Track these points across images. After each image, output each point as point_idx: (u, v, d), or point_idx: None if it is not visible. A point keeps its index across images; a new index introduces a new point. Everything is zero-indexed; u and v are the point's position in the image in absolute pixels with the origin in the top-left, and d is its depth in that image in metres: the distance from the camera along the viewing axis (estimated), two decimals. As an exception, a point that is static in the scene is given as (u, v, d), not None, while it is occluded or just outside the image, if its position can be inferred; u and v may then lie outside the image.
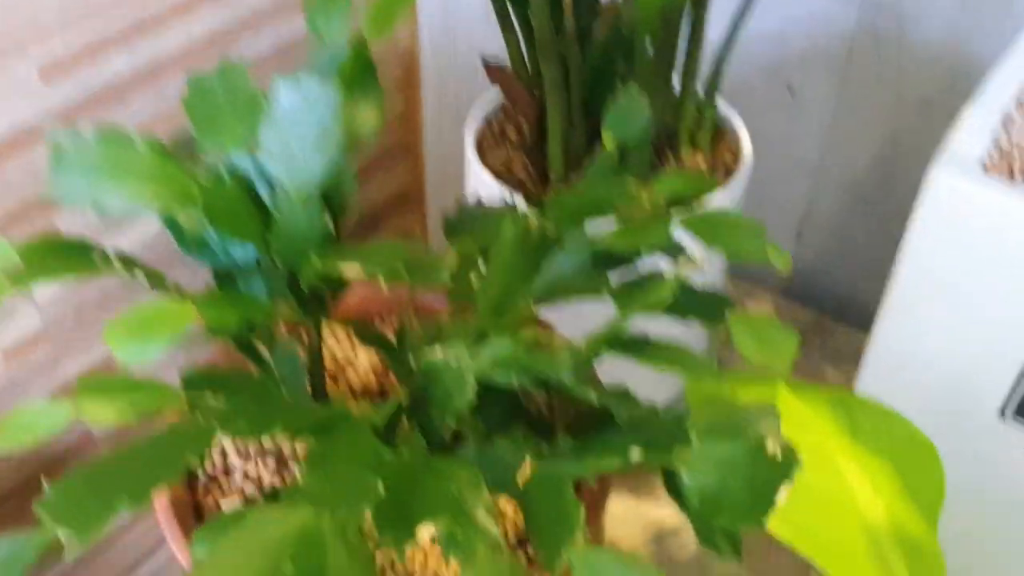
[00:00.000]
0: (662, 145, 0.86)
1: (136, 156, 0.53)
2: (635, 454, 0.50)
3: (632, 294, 0.49)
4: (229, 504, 0.63)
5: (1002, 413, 0.66)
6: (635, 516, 1.02)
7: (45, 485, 0.44)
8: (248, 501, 0.63)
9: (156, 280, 0.56)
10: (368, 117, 0.57)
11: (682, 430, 0.51)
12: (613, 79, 0.76)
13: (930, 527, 0.55)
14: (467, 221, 0.65)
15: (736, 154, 0.88)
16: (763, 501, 0.47)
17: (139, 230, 0.90)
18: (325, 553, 0.43)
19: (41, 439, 0.47)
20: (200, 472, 0.65)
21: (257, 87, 0.57)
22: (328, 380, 0.69)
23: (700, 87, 0.86)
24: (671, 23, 0.77)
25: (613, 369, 0.59)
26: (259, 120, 0.55)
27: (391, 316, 0.76)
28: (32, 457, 0.89)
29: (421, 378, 0.55)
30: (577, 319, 0.62)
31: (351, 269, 0.48)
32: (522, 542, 0.62)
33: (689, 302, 0.56)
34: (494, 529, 0.49)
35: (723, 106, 0.91)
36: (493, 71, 0.81)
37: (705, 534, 0.54)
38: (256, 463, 0.66)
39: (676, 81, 0.85)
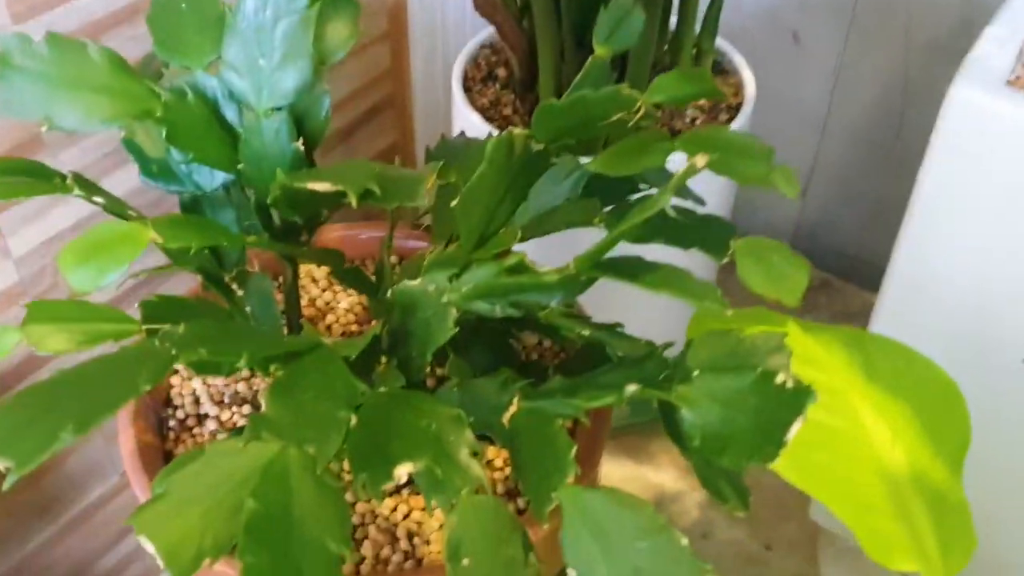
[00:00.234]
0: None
1: (92, 67, 0.49)
2: (631, 390, 0.46)
3: (624, 215, 0.45)
4: (199, 453, 0.59)
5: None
6: (634, 481, 0.99)
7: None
8: (220, 450, 0.59)
9: (117, 206, 0.51)
10: (341, 31, 0.53)
11: (682, 365, 0.47)
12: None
13: (954, 474, 0.51)
14: (450, 154, 0.60)
15: (738, 92, 0.83)
16: (772, 438, 0.43)
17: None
18: (290, 489, 0.39)
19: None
20: (172, 420, 0.61)
21: (222, 1, 0.53)
22: (306, 325, 0.65)
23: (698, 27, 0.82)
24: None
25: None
26: (224, 35, 0.51)
27: (371, 261, 0.72)
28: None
29: (399, 312, 0.51)
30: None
31: (320, 185, 0.44)
32: (511, 495, 0.58)
33: (690, 230, 0.52)
34: (478, 470, 0.45)
35: (723, 44, 0.87)
36: (481, 3, 0.76)
37: (709, 479, 0.49)
38: (231, 410, 0.61)
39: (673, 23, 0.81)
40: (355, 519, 0.56)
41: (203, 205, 0.56)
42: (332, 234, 0.71)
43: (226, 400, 0.62)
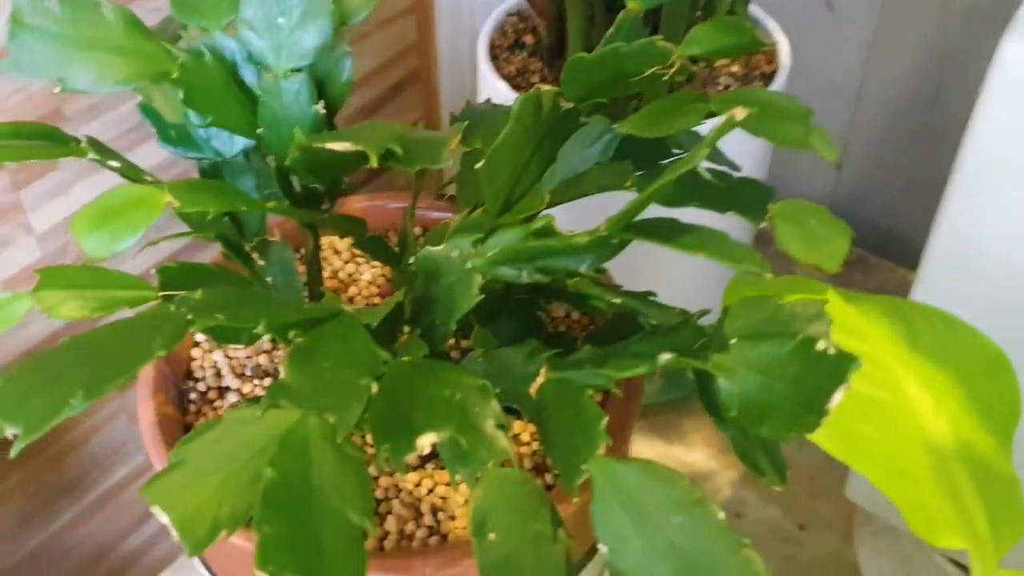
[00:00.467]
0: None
1: (106, 27, 0.48)
2: (665, 358, 0.44)
3: (657, 176, 0.43)
4: (220, 427, 0.57)
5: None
6: (665, 460, 0.96)
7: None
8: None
9: (132, 171, 0.50)
10: (362, -12, 0.51)
11: (719, 333, 0.45)
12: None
13: (1003, 447, 0.49)
14: (475, 120, 0.58)
15: (772, 60, 0.81)
16: (814, 407, 0.41)
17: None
18: (310, 458, 0.37)
19: (-5, 332, 0.42)
20: (192, 392, 0.60)
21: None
22: (328, 293, 0.63)
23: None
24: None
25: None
26: (243, -5, 0.50)
27: (394, 233, 0.70)
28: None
29: (422, 279, 0.49)
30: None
31: (339, 145, 0.42)
32: (538, 470, 0.56)
33: (726, 192, 0.49)
34: (505, 442, 0.43)
35: (756, 10, 0.84)
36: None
37: (746, 452, 0.48)
38: (253, 383, 0.60)
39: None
40: (379, 493, 0.54)
41: (223, 172, 0.55)
42: (355, 205, 0.70)
43: (248, 373, 0.60)
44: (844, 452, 0.48)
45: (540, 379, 0.48)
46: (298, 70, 0.50)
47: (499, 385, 0.49)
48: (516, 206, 0.49)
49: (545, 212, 0.47)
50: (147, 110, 0.53)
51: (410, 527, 0.53)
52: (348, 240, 0.70)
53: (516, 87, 0.77)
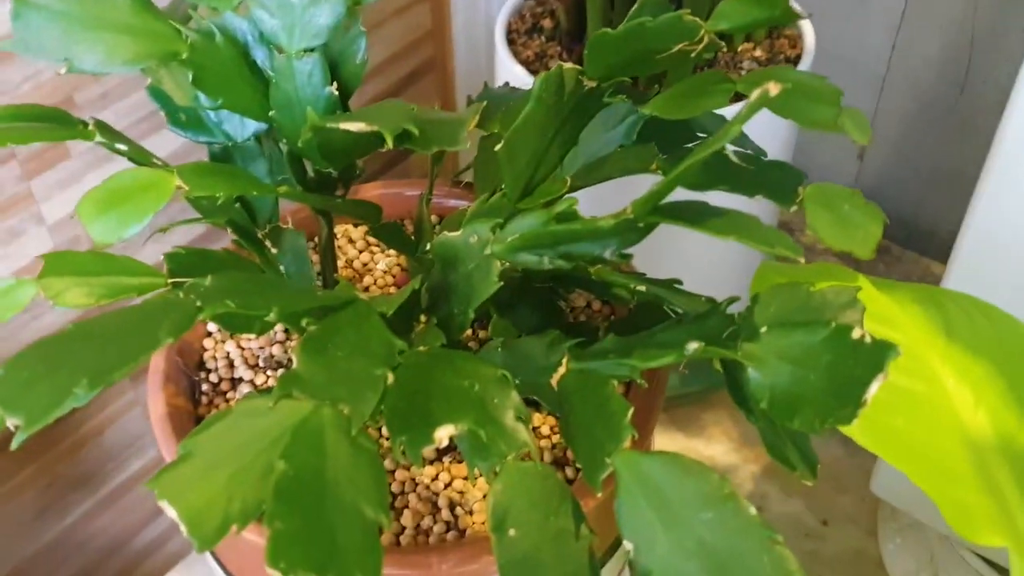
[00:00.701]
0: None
1: (113, 6, 0.46)
2: (693, 348, 0.42)
3: (683, 158, 0.41)
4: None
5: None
6: (686, 454, 0.95)
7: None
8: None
9: (141, 155, 0.48)
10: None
11: (748, 321, 0.44)
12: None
13: (1043, 439, 0.47)
14: (492, 104, 0.56)
15: (796, 44, 0.79)
16: (849, 398, 0.39)
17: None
18: (323, 451, 0.36)
19: (-1, 319, 0.41)
20: (204, 384, 0.58)
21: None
22: (342, 280, 0.62)
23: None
24: None
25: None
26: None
27: (410, 221, 0.68)
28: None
29: (439, 266, 0.47)
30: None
31: (353, 125, 0.40)
32: (559, 464, 0.54)
33: (755, 175, 0.48)
34: (525, 434, 0.41)
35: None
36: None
37: (775, 446, 0.46)
38: (266, 374, 0.59)
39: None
40: (394, 487, 0.53)
41: (234, 156, 0.53)
42: (370, 192, 0.68)
43: (261, 364, 0.59)
44: (878, 446, 0.46)
45: (561, 370, 0.47)
46: (311, 50, 0.49)
47: (519, 376, 0.48)
48: (537, 190, 0.47)
49: (567, 196, 0.45)
50: (156, 93, 0.52)
51: (427, 522, 0.51)
52: (363, 229, 0.68)
53: (534, 72, 0.76)
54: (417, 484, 0.53)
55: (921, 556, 0.88)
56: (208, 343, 0.60)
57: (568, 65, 0.43)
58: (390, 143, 0.40)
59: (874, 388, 0.38)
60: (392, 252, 0.66)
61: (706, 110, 0.47)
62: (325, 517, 0.33)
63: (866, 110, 1.08)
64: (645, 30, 0.42)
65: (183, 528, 0.33)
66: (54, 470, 0.85)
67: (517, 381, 0.45)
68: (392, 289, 0.64)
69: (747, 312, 0.44)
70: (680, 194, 0.45)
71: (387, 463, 0.53)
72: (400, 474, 0.53)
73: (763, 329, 0.42)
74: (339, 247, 0.67)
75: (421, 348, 0.45)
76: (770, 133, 0.73)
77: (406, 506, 0.52)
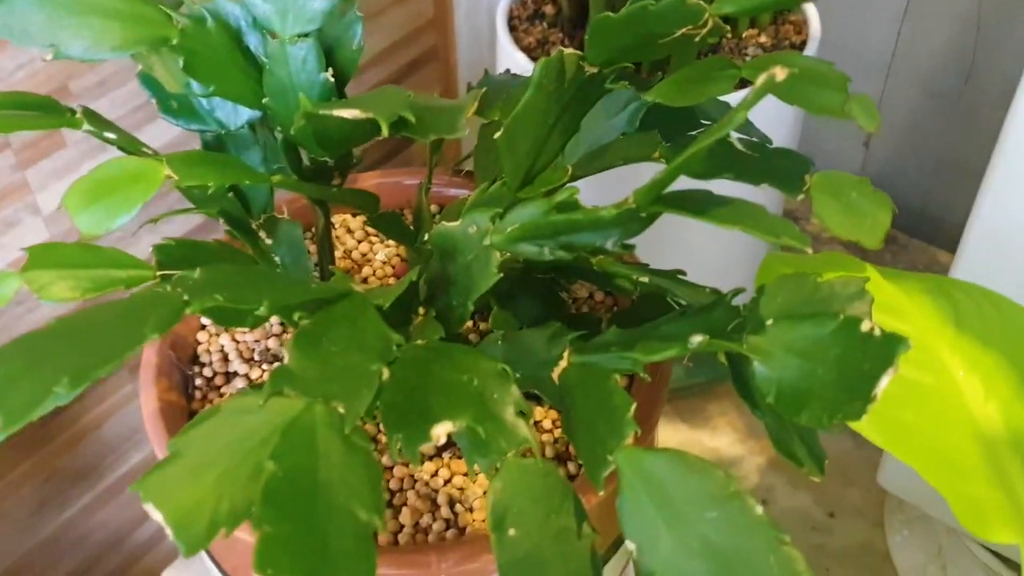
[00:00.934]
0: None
1: (100, -10, 0.45)
2: (697, 340, 0.41)
3: (687, 146, 0.40)
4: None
5: None
6: (690, 446, 0.94)
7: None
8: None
9: (130, 143, 0.47)
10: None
11: (754, 313, 0.42)
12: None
13: (1056, 433, 0.46)
14: (493, 91, 0.55)
15: (801, 30, 0.77)
16: (859, 392, 0.38)
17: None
18: (316, 450, 0.35)
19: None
20: (198, 378, 0.57)
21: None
22: (337, 272, 0.60)
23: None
24: None
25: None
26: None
27: (409, 211, 0.67)
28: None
29: (437, 257, 0.46)
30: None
31: (347, 112, 0.39)
32: (561, 459, 0.53)
33: (761, 163, 0.46)
34: (526, 430, 0.40)
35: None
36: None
37: (782, 441, 0.44)
38: (261, 368, 0.57)
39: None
40: (392, 484, 0.52)
41: (227, 145, 0.52)
42: (368, 182, 0.67)
43: (256, 357, 0.58)
44: (886, 441, 0.45)
45: (563, 363, 0.45)
46: (305, 35, 0.47)
47: (519, 370, 0.46)
48: (537, 179, 0.46)
49: (568, 185, 0.44)
50: (147, 79, 0.50)
51: (426, 520, 0.50)
52: (362, 218, 0.67)
53: (535, 59, 0.74)
54: (416, 481, 0.52)
55: (929, 548, 0.87)
56: (202, 336, 0.59)
57: (569, 50, 0.42)
58: (385, 131, 0.39)
59: (884, 382, 0.37)
60: (392, 242, 0.65)
61: (710, 97, 0.46)
62: (316, 521, 0.32)
63: (872, 95, 1.07)
64: (648, 14, 0.41)
65: (169, 532, 0.32)
66: (52, 464, 0.84)
67: (518, 375, 0.44)
68: (392, 280, 0.63)
69: (753, 304, 0.43)
70: (684, 183, 0.44)
71: (385, 459, 0.52)
72: (399, 470, 0.52)
73: (769, 321, 0.41)
74: (337, 237, 0.66)
75: (419, 342, 0.44)
76: (776, 120, 0.72)
77: (404, 503, 0.51)
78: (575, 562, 0.39)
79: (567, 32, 0.77)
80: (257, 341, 0.58)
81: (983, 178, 0.61)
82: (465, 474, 0.52)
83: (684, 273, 0.49)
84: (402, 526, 0.50)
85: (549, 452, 0.53)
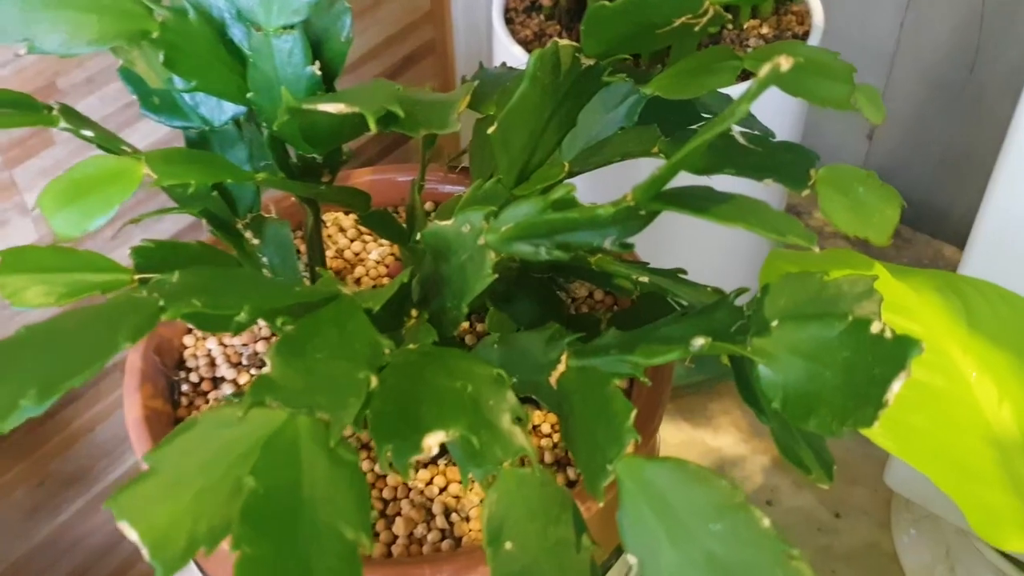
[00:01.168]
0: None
1: (76, -18, 0.43)
2: (699, 343, 0.39)
3: (687, 140, 0.38)
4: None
5: None
6: (692, 445, 0.92)
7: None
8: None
9: (108, 140, 0.45)
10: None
11: (758, 314, 0.41)
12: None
13: (1073, 436, 0.44)
14: (488, 84, 0.53)
15: (804, 21, 0.76)
16: (869, 398, 0.36)
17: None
18: (299, 465, 0.33)
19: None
20: (184, 384, 0.55)
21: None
22: (324, 273, 0.59)
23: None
24: None
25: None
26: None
27: (403, 209, 0.65)
28: None
29: (430, 258, 0.44)
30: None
31: (332, 107, 0.37)
32: (560, 465, 0.52)
33: (764, 157, 0.45)
34: (522, 439, 0.39)
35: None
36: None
37: (788, 447, 0.43)
38: (249, 373, 0.56)
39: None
40: (386, 493, 0.50)
41: (211, 142, 0.50)
42: (361, 179, 0.65)
43: (244, 362, 0.56)
44: (897, 445, 0.43)
45: (561, 367, 0.44)
46: (291, 27, 0.45)
47: (516, 374, 0.45)
48: (533, 175, 0.45)
49: (565, 181, 0.42)
50: (128, 75, 0.49)
51: (420, 530, 0.48)
52: (354, 217, 0.65)
53: (532, 52, 0.72)
54: (410, 490, 0.50)
55: (936, 548, 0.85)
56: (188, 340, 0.57)
57: (564, 41, 0.40)
58: (373, 126, 0.37)
59: (896, 387, 0.35)
60: (385, 241, 0.64)
61: (711, 89, 0.44)
62: (298, 540, 0.30)
63: (876, 89, 1.05)
64: (645, 2, 0.39)
65: (145, 552, 0.30)
66: (45, 468, 0.83)
67: (514, 380, 0.42)
68: (385, 280, 0.61)
69: (756, 304, 0.41)
70: (684, 178, 0.42)
71: (377, 467, 0.51)
72: (392, 479, 0.50)
73: (774, 322, 0.39)
74: (329, 236, 0.64)
75: (411, 346, 0.42)
76: (779, 113, 0.70)
77: (398, 513, 0.49)
78: (574, 575, 0.37)
79: (564, 24, 0.75)
80: (245, 345, 0.57)
81: (992, 170, 0.59)
82: (461, 482, 0.50)
83: (685, 272, 0.47)
84: (396, 537, 0.48)
85: (548, 457, 0.52)
